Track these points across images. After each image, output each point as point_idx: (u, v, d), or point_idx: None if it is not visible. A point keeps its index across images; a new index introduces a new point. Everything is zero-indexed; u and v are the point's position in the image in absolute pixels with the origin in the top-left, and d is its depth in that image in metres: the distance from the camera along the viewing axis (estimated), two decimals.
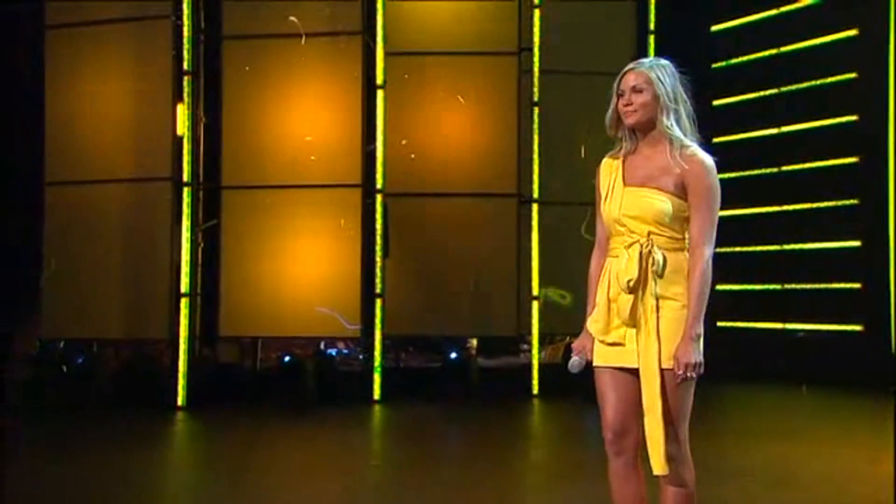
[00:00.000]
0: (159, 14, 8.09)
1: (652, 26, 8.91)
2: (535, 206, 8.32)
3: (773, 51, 10.10)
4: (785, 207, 9.91)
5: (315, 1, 8.20)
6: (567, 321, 7.82)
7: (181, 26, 8.04)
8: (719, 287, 10.01)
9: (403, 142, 8.28)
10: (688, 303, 2.91)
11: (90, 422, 7.35)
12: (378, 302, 8.08)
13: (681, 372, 2.87)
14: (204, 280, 8.42)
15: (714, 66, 10.56)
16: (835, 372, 8.48)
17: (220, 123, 8.26)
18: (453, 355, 8.95)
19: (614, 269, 2.99)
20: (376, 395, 8.03)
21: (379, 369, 8.07)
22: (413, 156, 8.30)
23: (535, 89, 8.37)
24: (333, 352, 9.36)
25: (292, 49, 8.09)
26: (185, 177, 8.00)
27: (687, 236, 2.96)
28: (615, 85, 3.01)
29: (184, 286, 7.93)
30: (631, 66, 3.03)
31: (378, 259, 8.11)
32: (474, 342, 8.90)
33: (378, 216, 8.14)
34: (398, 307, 8.15)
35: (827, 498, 4.78)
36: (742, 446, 6.14)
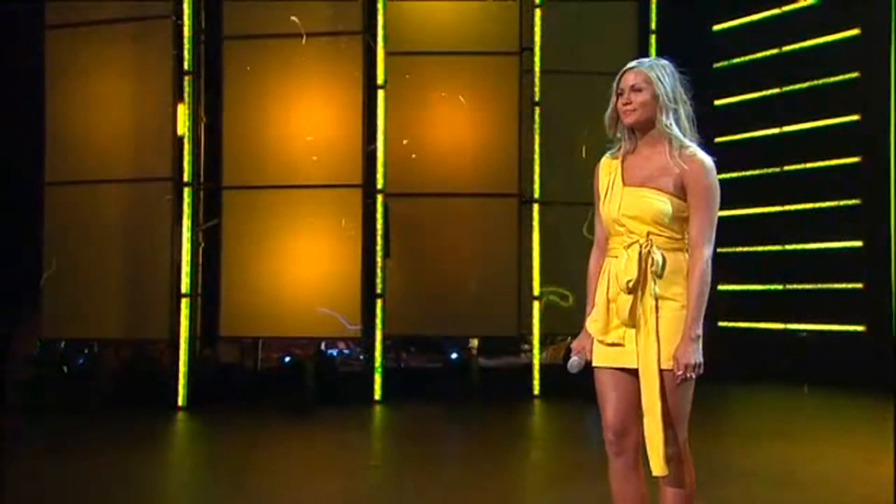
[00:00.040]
0: (160, 14, 8.08)
1: (653, 26, 8.89)
2: (535, 206, 8.30)
3: (775, 50, 10.08)
4: (787, 207, 9.90)
5: (316, 1, 8.19)
6: (568, 321, 7.78)
7: (182, 26, 8.03)
8: (721, 287, 10.03)
9: (405, 142, 8.27)
10: (687, 303, 2.90)
11: (90, 422, 7.34)
12: (379, 302, 8.07)
13: (680, 372, 2.86)
14: (204, 280, 8.41)
15: (716, 65, 10.55)
16: (837, 372, 8.47)
17: (220, 123, 8.25)
18: (454, 355, 8.95)
19: (613, 269, 2.98)
20: (377, 395, 8.02)
21: (379, 369, 8.06)
22: (414, 156, 8.29)
23: (536, 89, 8.35)
24: (334, 352, 9.35)
25: (293, 49, 8.07)
26: (186, 177, 8.00)
27: (686, 237, 2.95)
28: (614, 84, 3.01)
29: (184, 286, 7.93)
30: (630, 65, 3.02)
31: (379, 259, 8.10)
32: (475, 342, 8.88)
33: (379, 216, 8.13)
34: (399, 307, 8.13)
35: (829, 498, 4.77)
36: (744, 447, 6.12)
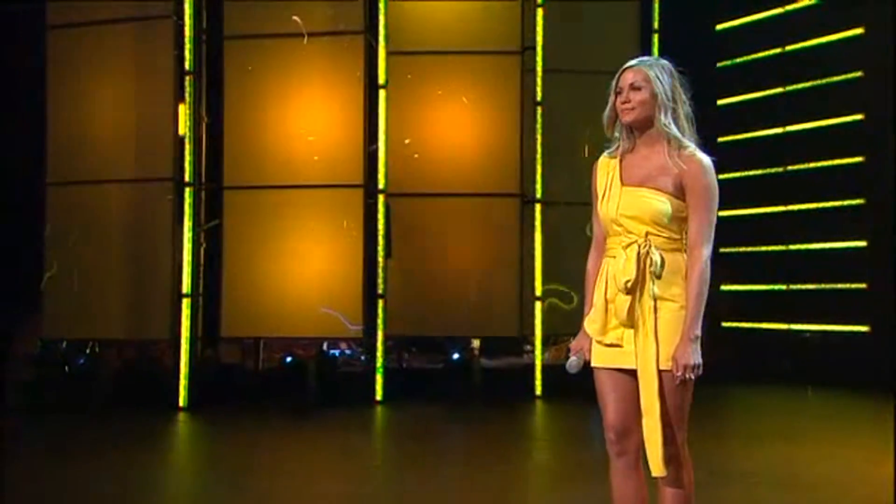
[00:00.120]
0: (161, 14, 8.09)
1: (656, 25, 8.88)
2: (537, 206, 8.28)
3: (778, 50, 10.07)
4: (790, 207, 9.87)
5: (317, 0, 8.17)
6: (570, 322, 7.76)
7: (183, 26, 8.03)
8: (724, 287, 10.03)
9: (407, 141, 8.26)
10: (686, 304, 2.88)
11: (91, 422, 7.34)
12: (380, 302, 8.06)
13: (679, 373, 2.85)
14: (206, 280, 8.41)
15: (719, 65, 10.54)
16: (840, 373, 8.44)
17: (221, 123, 8.26)
18: (456, 356, 8.94)
19: (612, 269, 2.96)
20: (378, 395, 8.01)
21: (381, 370, 8.05)
22: (416, 156, 8.27)
23: (538, 89, 8.33)
24: (336, 352, 9.34)
25: (294, 49, 8.07)
26: (187, 177, 7.99)
27: (685, 237, 2.93)
28: (613, 82, 3.00)
29: (185, 286, 7.92)
30: (629, 63, 3.01)
31: (380, 259, 8.09)
32: (477, 343, 8.87)
33: (380, 216, 8.11)
34: (400, 307, 8.12)
35: (831, 500, 4.75)
36: (747, 448, 6.10)
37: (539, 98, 8.32)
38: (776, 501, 4.75)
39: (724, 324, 10.03)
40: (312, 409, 7.86)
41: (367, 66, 8.16)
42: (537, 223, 8.28)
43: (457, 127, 8.34)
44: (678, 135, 2.94)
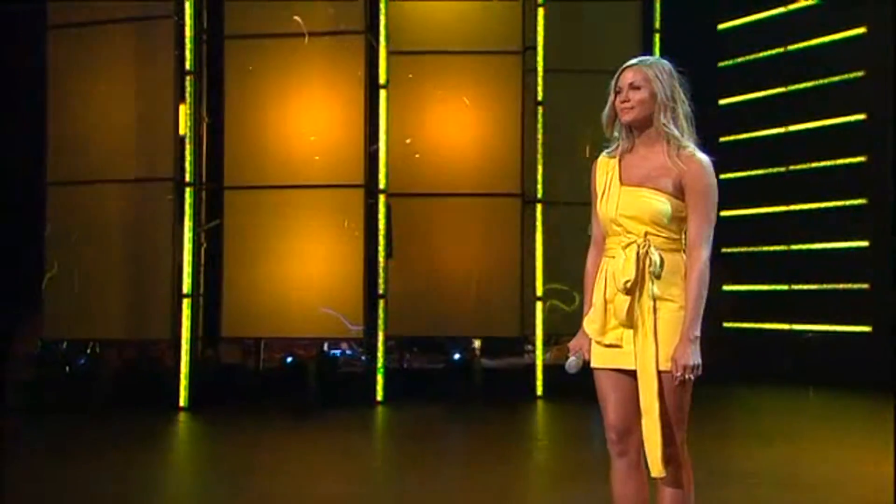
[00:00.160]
0: (161, 14, 8.09)
1: (657, 25, 8.87)
2: (538, 206, 8.27)
3: (780, 49, 10.05)
4: (791, 207, 9.86)
5: (318, 0, 8.17)
6: (571, 322, 7.75)
7: (183, 26, 8.02)
8: (725, 287, 10.02)
9: (408, 141, 8.25)
10: (685, 304, 2.87)
11: (92, 422, 7.34)
12: (381, 303, 8.06)
13: (679, 374, 2.84)
14: (206, 280, 8.41)
15: (720, 64, 10.52)
16: (842, 373, 8.43)
17: (222, 123, 8.26)
18: (457, 356, 8.92)
19: (611, 269, 2.95)
20: (379, 396, 8.00)
21: (382, 370, 8.04)
22: (417, 155, 8.27)
23: (539, 88, 8.32)
24: (336, 353, 9.33)
25: (295, 49, 8.07)
26: (188, 177, 7.99)
27: (684, 237, 2.92)
28: (613, 82, 2.99)
29: (186, 287, 7.91)
30: (629, 62, 3.00)
31: (381, 259, 8.08)
32: (478, 343, 8.87)
33: (381, 216, 8.11)
34: (401, 308, 8.11)
35: (832, 500, 4.74)
36: (748, 448, 6.09)
37: (540, 98, 8.32)
38: (777, 502, 4.75)
39: (726, 324, 10.02)
40: (313, 410, 7.85)
41: (367, 65, 8.15)
42: (538, 223, 8.27)
43: (458, 127, 8.34)
44: (677, 134, 2.93)
